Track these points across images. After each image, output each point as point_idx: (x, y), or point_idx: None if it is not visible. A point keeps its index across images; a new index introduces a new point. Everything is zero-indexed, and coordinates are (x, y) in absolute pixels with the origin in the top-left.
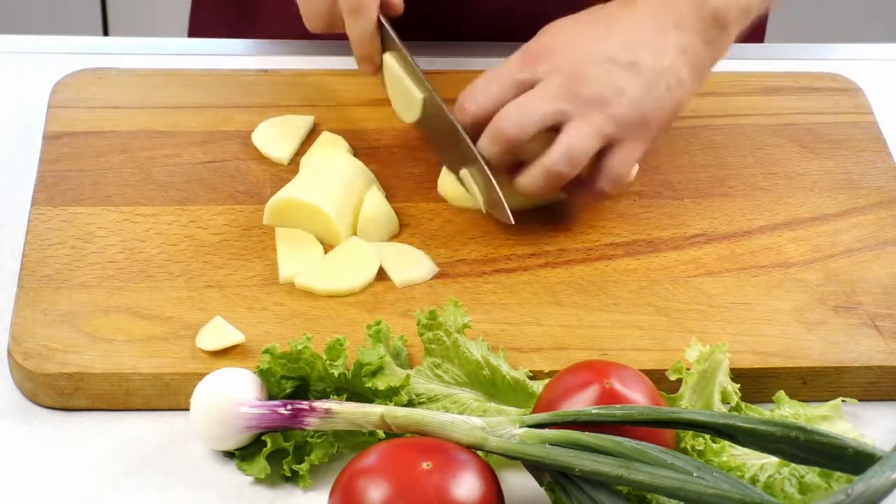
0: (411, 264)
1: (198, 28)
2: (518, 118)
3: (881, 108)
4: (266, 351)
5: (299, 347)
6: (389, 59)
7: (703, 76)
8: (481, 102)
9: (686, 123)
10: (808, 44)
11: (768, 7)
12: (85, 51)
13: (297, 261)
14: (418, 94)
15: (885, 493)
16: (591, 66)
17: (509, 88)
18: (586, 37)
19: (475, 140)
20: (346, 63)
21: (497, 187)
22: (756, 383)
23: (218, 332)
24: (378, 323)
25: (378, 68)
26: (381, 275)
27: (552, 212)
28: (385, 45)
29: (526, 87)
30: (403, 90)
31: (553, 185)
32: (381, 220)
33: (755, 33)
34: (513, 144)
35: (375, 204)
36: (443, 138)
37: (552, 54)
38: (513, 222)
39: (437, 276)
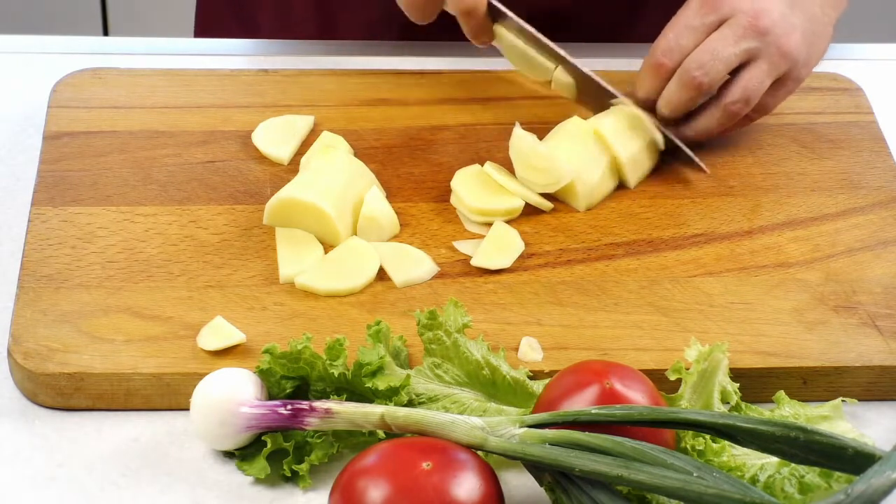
0: (411, 264)
1: (204, 28)
2: (710, 64)
3: (881, 108)
4: (266, 351)
5: (299, 347)
6: (501, 30)
7: (830, 33)
8: (677, 57)
9: None
10: None
11: None
12: (85, 51)
13: (298, 261)
14: (548, 63)
15: (885, 493)
16: (767, 4)
17: (701, 35)
18: None
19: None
20: (346, 63)
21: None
22: (756, 383)
23: (218, 332)
24: (378, 323)
25: (492, 39)
26: (382, 275)
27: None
28: (494, 17)
29: (713, 28)
30: (527, 57)
31: (728, 123)
32: (381, 220)
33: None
34: (704, 90)
35: (375, 204)
36: (586, 88)
37: None
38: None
39: (437, 276)
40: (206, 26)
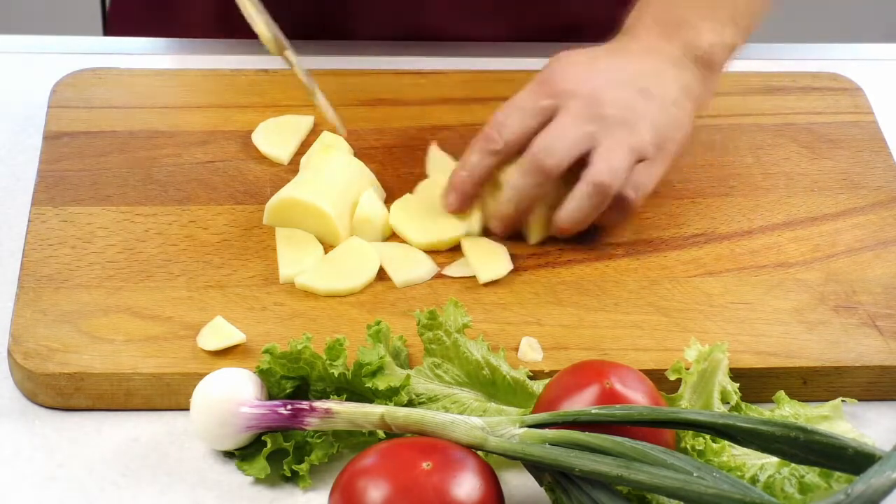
0: (411, 264)
1: (115, 24)
2: (554, 147)
3: (881, 108)
4: (266, 351)
5: (299, 347)
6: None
7: (698, 111)
8: (507, 135)
9: None
10: (808, 44)
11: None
12: (85, 51)
13: (297, 261)
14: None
15: (885, 493)
16: (608, 91)
17: (532, 118)
18: (597, 66)
19: None
20: (346, 63)
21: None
22: (756, 383)
23: (219, 332)
24: (378, 323)
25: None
26: (382, 275)
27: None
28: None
29: (548, 114)
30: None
31: (599, 203)
32: (375, 222)
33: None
34: (551, 174)
35: (370, 205)
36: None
37: (568, 81)
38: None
39: (436, 276)
40: (122, 22)
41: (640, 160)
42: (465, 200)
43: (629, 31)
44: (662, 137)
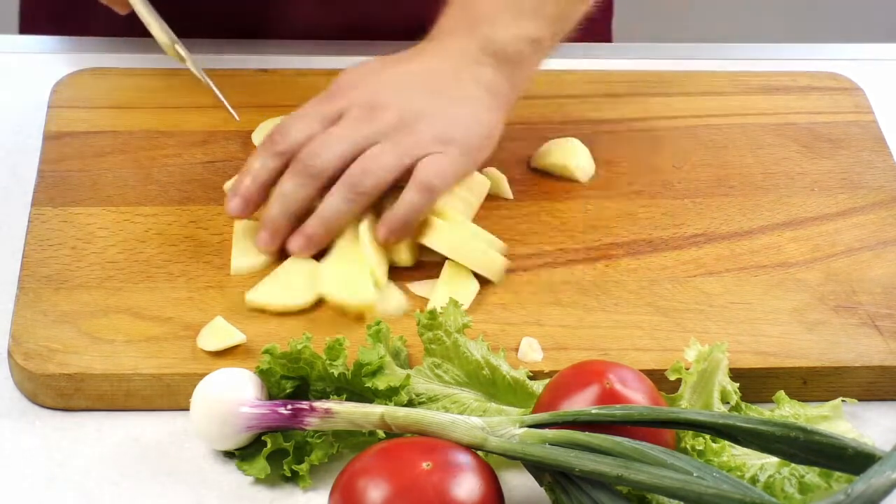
0: (381, 296)
1: (27, 22)
2: (323, 150)
3: (881, 107)
4: (266, 351)
5: (299, 347)
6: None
7: (508, 106)
8: (290, 140)
9: (686, 123)
10: (808, 44)
11: (565, 33)
12: (85, 51)
13: (250, 253)
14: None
15: (885, 493)
16: (391, 96)
17: (316, 123)
18: (386, 73)
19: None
20: (346, 63)
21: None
22: (756, 383)
23: (219, 333)
24: (378, 323)
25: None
26: None
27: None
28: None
29: (331, 121)
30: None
31: (352, 202)
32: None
33: (602, 33)
34: (321, 178)
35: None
36: None
37: (354, 89)
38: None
39: None
40: (33, 18)
41: (420, 158)
42: (249, 206)
43: (434, 33)
44: (449, 134)
